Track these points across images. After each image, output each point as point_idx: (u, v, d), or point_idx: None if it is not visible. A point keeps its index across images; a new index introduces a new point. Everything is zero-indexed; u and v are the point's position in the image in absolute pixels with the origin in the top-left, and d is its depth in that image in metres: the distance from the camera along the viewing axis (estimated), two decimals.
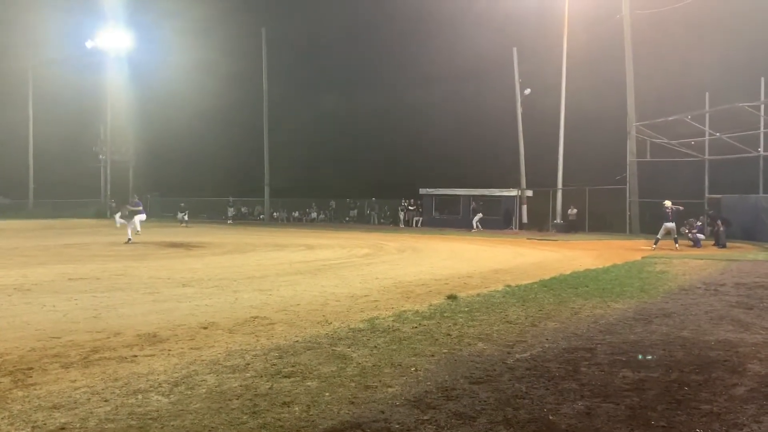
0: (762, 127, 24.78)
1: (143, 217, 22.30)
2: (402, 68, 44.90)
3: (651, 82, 31.37)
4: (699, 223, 23.08)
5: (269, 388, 4.71)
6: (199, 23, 46.46)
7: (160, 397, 4.49)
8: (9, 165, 50.15)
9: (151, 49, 50.30)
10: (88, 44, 49.76)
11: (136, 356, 5.71)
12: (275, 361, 5.51)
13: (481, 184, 36.25)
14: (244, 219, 45.93)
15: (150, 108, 49.50)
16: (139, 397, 4.50)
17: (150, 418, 4.06)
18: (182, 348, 6.05)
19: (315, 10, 49.99)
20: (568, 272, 12.88)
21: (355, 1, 46.57)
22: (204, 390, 4.68)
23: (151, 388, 4.70)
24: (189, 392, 4.63)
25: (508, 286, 10.62)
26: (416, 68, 43.77)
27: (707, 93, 27.09)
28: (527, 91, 35.45)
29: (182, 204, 35.63)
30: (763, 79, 25.11)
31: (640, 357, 5.87)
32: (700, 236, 22.20)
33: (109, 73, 50.22)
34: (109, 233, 26.11)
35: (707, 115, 26.65)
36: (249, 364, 5.40)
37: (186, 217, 34.93)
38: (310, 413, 4.20)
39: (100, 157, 51.89)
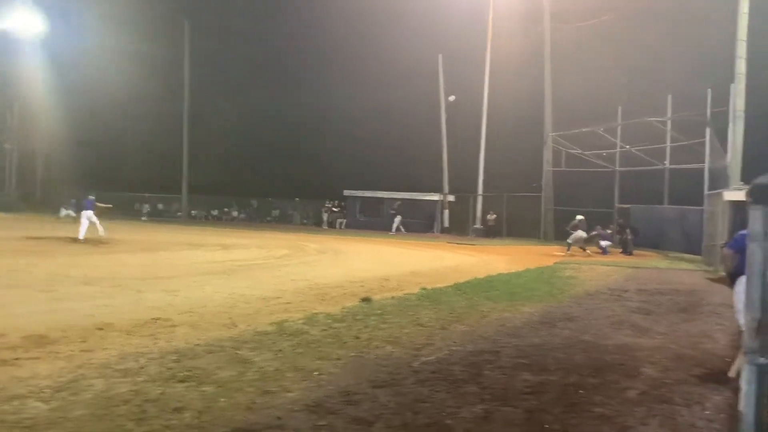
0: (668, 141, 26.16)
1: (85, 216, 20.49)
2: (330, 69, 44.65)
3: (569, 94, 32.53)
4: (609, 231, 24.11)
5: (161, 394, 4.47)
6: (120, 8, 44.44)
7: (38, 404, 4.17)
8: None
9: (66, 35, 47.70)
10: None
11: (18, 359, 5.30)
12: (172, 364, 5.25)
13: (405, 187, 36.55)
14: (160, 216, 44.36)
15: (64, 96, 46.94)
16: (15, 403, 4.16)
17: (23, 427, 3.76)
18: (72, 350, 5.67)
19: (242, 5, 48.99)
20: (482, 276, 13.10)
21: (283, 1, 45.98)
22: (89, 395, 4.39)
23: (31, 394, 4.36)
24: (73, 398, 4.33)
25: (424, 289, 10.66)
26: (344, 70, 43.66)
27: (620, 107, 28.36)
28: (451, 98, 36.10)
29: (73, 200, 33.00)
30: (670, 96, 26.51)
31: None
32: (605, 243, 23.10)
33: (19, 58, 47.28)
34: (9, 227, 24.54)
35: (619, 128, 27.90)
36: (143, 368, 5.12)
37: (73, 213, 30.77)
38: (202, 420, 4.01)
39: (6, 146, 48.78)
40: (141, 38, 44.21)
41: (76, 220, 29.24)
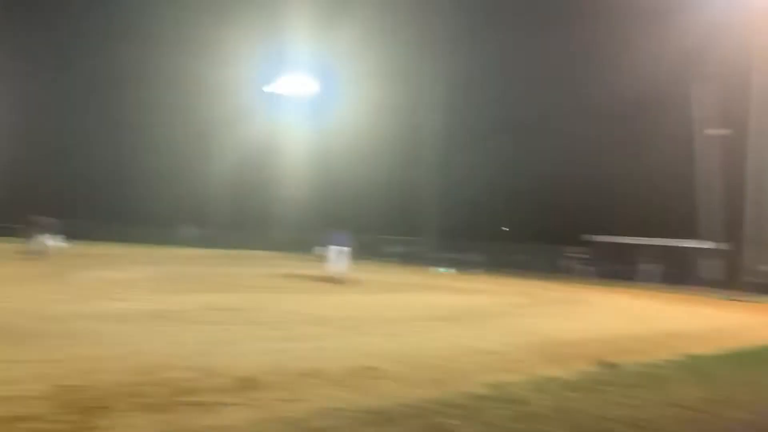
0: None
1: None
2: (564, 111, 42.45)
3: None
4: None
5: None
6: (377, 63, 47.16)
7: None
8: None
9: (330, 92, 52.24)
10: None
11: (218, 404, 5.05)
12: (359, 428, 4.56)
13: (659, 232, 32.96)
14: (407, 259, 45.70)
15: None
16: None
17: None
18: (274, 398, 5.30)
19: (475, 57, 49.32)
20: (764, 344, 10.50)
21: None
22: None
23: None
24: None
25: (682, 355, 8.73)
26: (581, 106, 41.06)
27: None
28: (719, 132, 31.83)
29: (325, 236, 34.14)
30: None
31: None
32: None
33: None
34: (272, 265, 26.99)
35: None
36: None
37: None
38: None
39: None
40: (396, 89, 46.37)
41: (322, 259, 31.11)
